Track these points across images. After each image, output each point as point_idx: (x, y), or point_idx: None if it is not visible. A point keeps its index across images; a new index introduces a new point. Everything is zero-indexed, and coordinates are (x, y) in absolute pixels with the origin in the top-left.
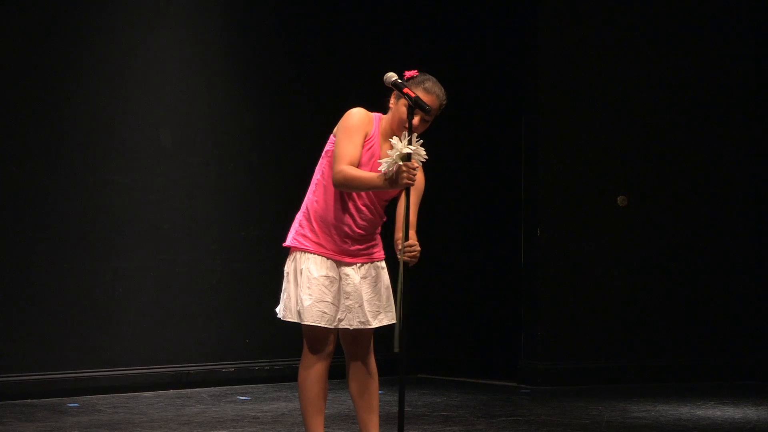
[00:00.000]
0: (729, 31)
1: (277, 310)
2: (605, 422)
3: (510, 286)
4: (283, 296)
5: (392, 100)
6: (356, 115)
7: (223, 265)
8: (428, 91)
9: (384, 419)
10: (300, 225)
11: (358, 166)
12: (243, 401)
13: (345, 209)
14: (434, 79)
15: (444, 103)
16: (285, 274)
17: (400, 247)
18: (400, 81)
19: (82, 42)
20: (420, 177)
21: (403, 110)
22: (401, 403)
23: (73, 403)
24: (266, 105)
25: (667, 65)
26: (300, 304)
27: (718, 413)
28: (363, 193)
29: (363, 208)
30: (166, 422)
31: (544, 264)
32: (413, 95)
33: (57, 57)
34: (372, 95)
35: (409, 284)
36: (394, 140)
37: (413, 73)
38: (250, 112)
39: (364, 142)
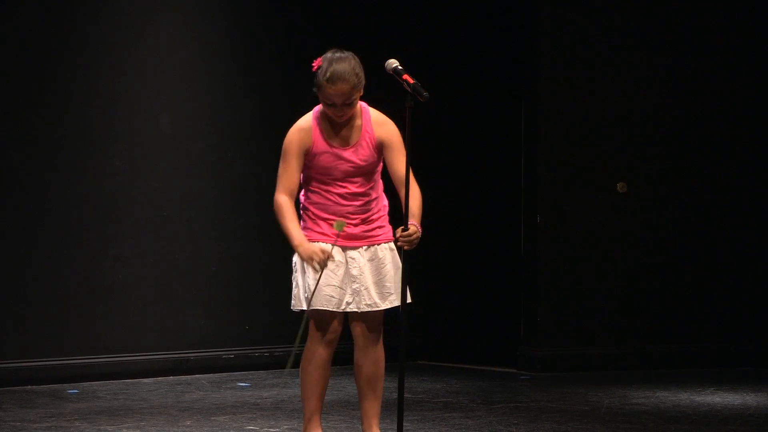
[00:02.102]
0: (730, 21)
1: (291, 305)
2: (605, 408)
3: (510, 272)
4: (293, 288)
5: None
6: (288, 139)
7: (222, 252)
8: (332, 81)
9: (383, 405)
10: (301, 220)
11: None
12: (243, 388)
13: (331, 197)
14: (337, 61)
15: (357, 82)
16: (293, 266)
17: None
18: (400, 68)
19: (83, 28)
20: (393, 129)
21: (321, 91)
22: (401, 389)
23: (72, 390)
24: (266, 92)
25: (668, 52)
26: (308, 290)
27: (718, 399)
28: (338, 180)
29: (345, 191)
30: (166, 408)
31: (544, 250)
32: (412, 81)
33: (57, 44)
34: (370, 82)
35: (407, 269)
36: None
37: (318, 62)
38: (250, 100)
39: (309, 154)
